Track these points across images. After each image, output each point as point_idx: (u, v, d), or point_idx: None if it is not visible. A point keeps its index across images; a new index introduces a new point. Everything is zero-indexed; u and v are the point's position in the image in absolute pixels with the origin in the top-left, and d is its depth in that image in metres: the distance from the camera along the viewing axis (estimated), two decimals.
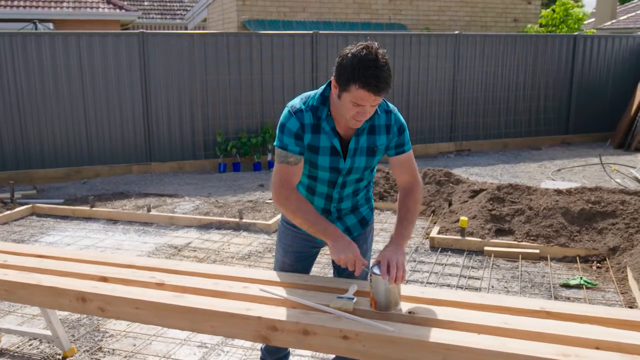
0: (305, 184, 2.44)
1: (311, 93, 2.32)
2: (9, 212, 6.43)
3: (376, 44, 2.10)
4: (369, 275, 2.12)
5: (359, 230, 2.55)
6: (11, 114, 8.07)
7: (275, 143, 2.31)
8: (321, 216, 2.31)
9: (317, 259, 2.79)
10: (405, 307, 2.11)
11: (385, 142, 2.33)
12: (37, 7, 13.52)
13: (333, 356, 2.81)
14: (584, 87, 11.30)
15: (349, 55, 2.07)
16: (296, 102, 2.31)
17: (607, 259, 4.77)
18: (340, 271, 2.62)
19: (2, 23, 12.66)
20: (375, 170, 2.52)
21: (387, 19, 15.16)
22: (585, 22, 16.80)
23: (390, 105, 2.36)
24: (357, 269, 2.17)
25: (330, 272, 4.37)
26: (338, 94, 2.14)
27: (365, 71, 2.01)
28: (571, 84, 11.20)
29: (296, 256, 2.53)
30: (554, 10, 14.99)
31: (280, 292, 2.25)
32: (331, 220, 2.48)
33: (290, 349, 2.86)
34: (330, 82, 2.21)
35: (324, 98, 2.27)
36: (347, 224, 2.51)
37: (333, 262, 2.66)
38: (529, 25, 15.36)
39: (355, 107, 2.10)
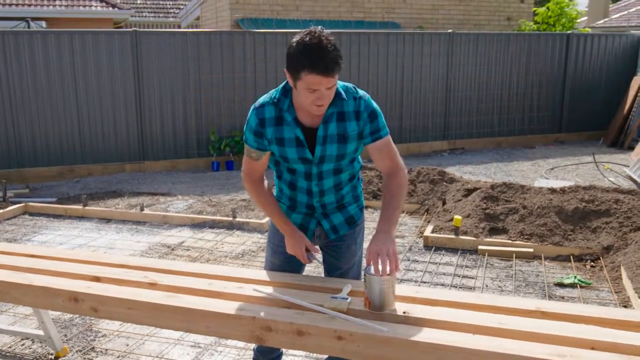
0: (287, 180, 2.44)
1: (278, 87, 2.33)
2: (1, 210, 6.38)
3: (320, 27, 2.11)
4: (362, 275, 2.11)
5: (346, 229, 2.53)
6: (3, 112, 8.01)
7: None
8: (277, 211, 2.42)
9: None
10: (399, 307, 2.10)
11: (357, 128, 2.29)
12: (29, 5, 13.44)
13: (325, 357, 2.81)
14: (577, 86, 11.34)
15: (294, 43, 2.09)
16: (261, 98, 2.35)
17: (601, 257, 4.78)
18: (330, 271, 2.61)
19: None
20: (358, 164, 2.49)
21: (380, 18, 15.16)
22: (578, 21, 16.84)
23: (361, 91, 2.32)
24: (304, 260, 2.42)
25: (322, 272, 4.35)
26: (293, 83, 2.15)
27: (310, 55, 2.03)
28: (564, 83, 11.23)
29: (285, 256, 2.51)
30: (548, 9, 15.03)
31: (275, 292, 2.24)
32: (317, 218, 2.48)
33: (283, 350, 2.85)
34: None
35: (286, 90, 2.28)
36: (333, 222, 2.49)
37: (323, 262, 2.65)
38: (522, 20, 15.39)
39: (311, 93, 2.10)
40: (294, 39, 2.10)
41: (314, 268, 4.61)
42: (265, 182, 2.46)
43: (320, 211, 2.47)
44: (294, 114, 2.27)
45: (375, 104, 2.33)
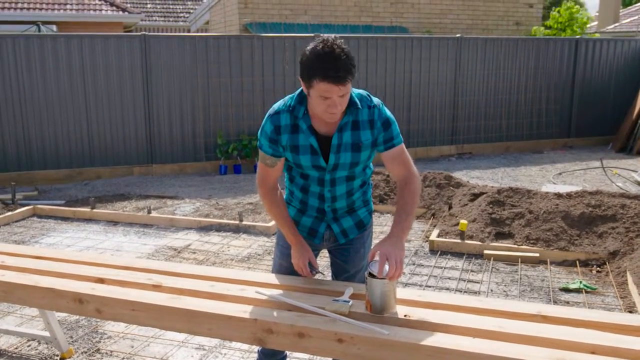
0: (299, 184, 2.46)
1: (292, 94, 2.34)
2: (10, 213, 6.44)
3: (333, 36, 2.13)
4: (365, 278, 2.12)
5: (356, 233, 2.54)
6: (13, 115, 8.09)
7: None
8: (287, 222, 2.44)
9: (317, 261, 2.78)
10: (400, 310, 2.10)
11: (371, 137, 2.31)
12: (40, 9, 13.57)
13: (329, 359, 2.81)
14: (585, 91, 11.29)
15: (307, 52, 2.11)
16: (277, 104, 2.36)
17: (607, 263, 4.76)
18: (337, 274, 2.62)
19: (6, 25, 12.70)
20: (370, 170, 2.51)
21: (388, 22, 15.18)
22: (588, 26, 16.79)
23: (375, 100, 2.34)
24: (305, 274, 2.44)
25: (329, 275, 4.36)
26: (307, 91, 2.17)
27: (322, 64, 2.05)
28: (573, 88, 11.19)
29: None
30: (559, 13, 14.99)
31: (277, 294, 2.25)
32: (327, 221, 2.48)
33: (287, 352, 2.86)
34: None
35: (302, 97, 2.29)
36: (343, 226, 2.51)
37: (331, 265, 2.66)
38: (535, 28, 15.35)
39: (324, 101, 2.12)
40: (308, 47, 2.13)
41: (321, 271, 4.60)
42: (278, 192, 2.47)
43: (330, 215, 2.48)
44: (308, 122, 2.28)
45: (389, 112, 2.35)
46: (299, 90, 2.31)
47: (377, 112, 2.30)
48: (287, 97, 2.36)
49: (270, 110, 2.35)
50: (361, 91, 2.34)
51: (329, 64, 2.04)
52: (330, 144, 2.29)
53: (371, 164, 2.51)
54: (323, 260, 4.71)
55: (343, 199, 2.46)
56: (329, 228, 2.50)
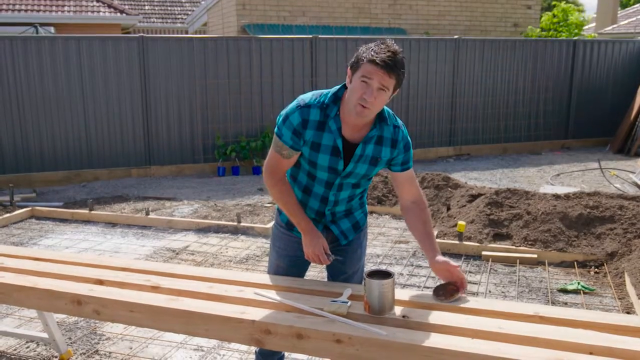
0: (302, 183, 2.43)
1: (325, 90, 2.32)
2: (8, 214, 6.44)
3: (394, 42, 2.18)
4: (363, 278, 2.12)
5: (353, 234, 2.55)
6: (11, 117, 8.09)
7: (275, 130, 2.33)
8: (299, 209, 2.38)
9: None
10: (399, 311, 2.11)
11: (389, 155, 2.34)
12: (38, 10, 13.56)
13: None
14: (583, 92, 11.31)
15: (366, 45, 2.16)
16: (307, 96, 2.30)
17: (605, 264, 4.77)
18: (334, 275, 2.62)
19: (3, 27, 12.69)
20: (371, 179, 2.53)
21: (386, 24, 15.20)
22: (586, 27, 16.82)
23: (399, 121, 2.38)
24: (322, 261, 2.35)
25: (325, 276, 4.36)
26: (351, 79, 2.18)
27: (377, 52, 2.10)
28: (571, 89, 11.21)
29: (290, 260, 2.53)
30: (554, 15, 15.02)
31: (275, 295, 2.25)
32: (325, 223, 2.48)
33: (286, 353, 2.86)
34: (345, 84, 2.24)
35: (336, 97, 2.27)
36: (341, 228, 2.52)
37: (327, 266, 2.66)
38: (530, 27, 15.38)
39: (363, 86, 2.12)
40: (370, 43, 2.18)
41: (317, 272, 4.62)
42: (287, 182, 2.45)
43: (329, 218, 2.49)
44: (339, 124, 2.26)
45: (408, 135, 2.41)
46: (334, 89, 2.29)
47: (402, 133, 2.35)
48: (317, 92, 2.32)
49: (300, 101, 2.28)
50: (388, 109, 2.36)
51: (385, 52, 2.09)
52: (351, 151, 2.30)
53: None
54: None
55: (344, 204, 2.47)
56: (326, 229, 2.51)
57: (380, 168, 2.39)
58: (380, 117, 2.28)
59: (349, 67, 2.19)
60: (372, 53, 2.10)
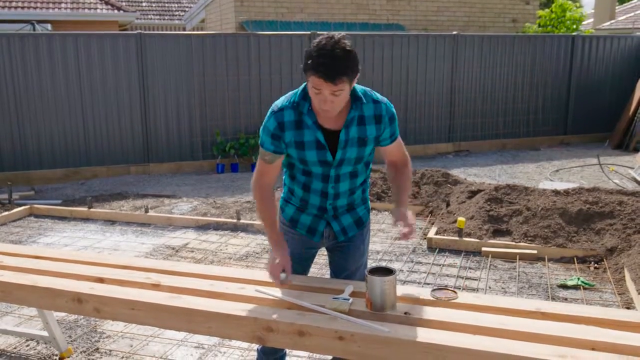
0: (301, 181, 2.44)
1: (295, 90, 2.35)
2: (6, 213, 6.42)
3: (341, 34, 2.13)
4: (365, 275, 2.12)
5: (355, 231, 2.55)
6: (9, 114, 8.06)
7: (259, 141, 2.40)
8: (273, 221, 2.43)
9: (315, 260, 2.78)
10: (401, 307, 2.11)
11: (375, 132, 2.34)
12: (35, 7, 13.51)
13: (330, 357, 2.81)
14: (582, 88, 11.31)
15: (312, 45, 2.13)
16: (279, 101, 2.36)
17: (604, 259, 4.77)
18: (336, 272, 2.61)
19: (0, 24, 12.64)
20: (370, 166, 2.52)
21: (385, 20, 15.18)
22: (584, 23, 16.80)
23: (379, 96, 2.37)
24: (273, 278, 2.34)
25: (327, 274, 4.36)
26: (307, 84, 2.19)
27: (318, 59, 2.07)
28: (569, 85, 11.20)
29: (293, 257, 2.52)
30: (552, 11, 15.01)
31: (276, 293, 2.25)
32: (327, 219, 2.48)
33: (287, 350, 2.86)
34: None
35: (305, 93, 2.29)
36: (343, 224, 2.51)
37: (330, 263, 2.66)
38: (527, 25, 15.37)
39: (316, 95, 2.14)
40: (314, 41, 2.14)
41: (318, 269, 4.62)
42: (272, 192, 2.47)
43: (331, 213, 2.49)
44: (314, 118, 2.28)
45: (392, 107, 2.41)
46: (302, 86, 2.31)
47: (384, 107, 2.34)
48: (289, 94, 2.35)
49: (274, 107, 2.34)
50: (365, 87, 2.36)
51: (322, 60, 2.05)
52: (335, 139, 2.30)
53: (370, 161, 2.52)
54: (322, 258, 4.71)
55: (345, 197, 2.46)
56: (328, 226, 2.50)
57: (371, 147, 2.39)
58: (355, 98, 2.27)
59: (302, 67, 2.20)
60: (313, 63, 2.07)
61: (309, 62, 2.09)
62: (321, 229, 2.51)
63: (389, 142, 2.41)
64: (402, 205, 2.42)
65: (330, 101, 2.13)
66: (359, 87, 2.30)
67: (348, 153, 2.32)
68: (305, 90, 2.29)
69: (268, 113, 2.35)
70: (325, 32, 2.17)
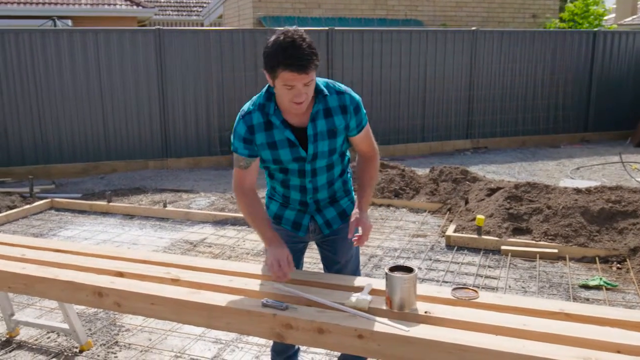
0: (279, 179, 2.47)
1: (260, 92, 2.35)
2: (28, 206, 6.51)
3: (295, 27, 2.14)
4: (385, 274, 2.10)
5: (339, 223, 2.55)
6: (30, 109, 8.16)
7: (232, 148, 2.41)
8: (264, 222, 2.41)
9: (310, 254, 2.79)
10: (421, 306, 2.09)
11: (343, 122, 2.34)
12: (55, 3, 13.66)
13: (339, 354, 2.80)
14: (603, 84, 11.14)
15: (270, 43, 2.12)
16: (246, 105, 2.37)
17: (627, 259, 4.69)
18: (328, 266, 2.65)
19: (22, 20, 12.81)
20: (347, 157, 2.54)
21: (403, 15, 15.08)
22: (606, 18, 16.54)
23: (343, 86, 2.38)
24: (276, 277, 2.28)
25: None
26: (272, 83, 2.19)
27: (284, 53, 2.06)
28: (590, 81, 11.04)
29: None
30: (575, 5, 14.81)
31: (295, 290, 2.24)
32: (310, 213, 2.50)
33: (302, 348, 2.85)
34: None
35: (269, 94, 2.30)
36: (326, 217, 2.53)
37: (322, 258, 2.67)
38: (548, 16, 15.17)
39: (289, 90, 2.13)
40: (270, 39, 2.13)
41: (312, 264, 4.59)
42: (256, 194, 2.46)
43: (313, 207, 2.50)
44: (280, 117, 2.29)
45: (357, 96, 2.40)
46: (265, 87, 2.33)
47: (348, 97, 2.34)
48: (254, 97, 2.37)
49: (241, 112, 2.35)
50: (326, 79, 2.38)
51: (291, 53, 2.06)
52: (306, 135, 2.31)
53: (348, 152, 2.55)
54: (314, 252, 4.69)
55: (325, 190, 2.48)
56: (312, 220, 2.53)
57: (343, 138, 2.38)
58: (317, 91, 2.28)
59: (264, 69, 2.18)
60: (283, 58, 2.06)
61: (275, 59, 2.08)
62: (305, 223, 2.53)
63: (355, 132, 2.40)
64: (361, 210, 2.41)
65: (304, 93, 2.15)
66: (320, 80, 2.31)
67: (320, 146, 2.33)
68: (268, 91, 2.30)
69: (237, 119, 2.35)
70: (280, 28, 2.16)
